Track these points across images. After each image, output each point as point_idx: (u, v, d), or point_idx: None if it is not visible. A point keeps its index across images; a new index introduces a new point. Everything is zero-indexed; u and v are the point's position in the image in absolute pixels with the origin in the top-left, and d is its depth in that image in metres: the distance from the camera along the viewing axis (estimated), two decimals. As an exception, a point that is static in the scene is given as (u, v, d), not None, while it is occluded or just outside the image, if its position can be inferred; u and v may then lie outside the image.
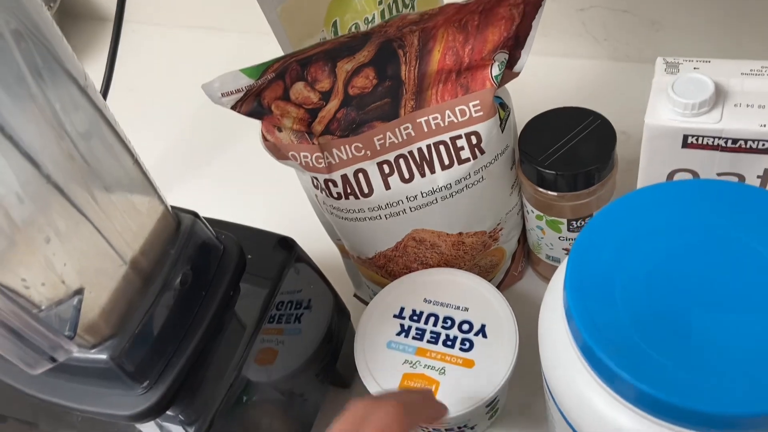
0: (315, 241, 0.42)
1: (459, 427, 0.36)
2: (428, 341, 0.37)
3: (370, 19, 0.37)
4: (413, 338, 0.37)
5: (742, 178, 0.31)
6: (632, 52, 0.53)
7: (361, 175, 0.36)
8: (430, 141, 0.35)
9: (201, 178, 0.57)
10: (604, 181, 0.36)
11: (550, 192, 0.37)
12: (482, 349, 0.36)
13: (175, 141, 0.60)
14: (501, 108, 0.36)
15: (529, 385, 0.38)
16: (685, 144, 0.30)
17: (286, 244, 0.36)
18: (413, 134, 0.35)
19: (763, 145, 0.29)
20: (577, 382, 0.24)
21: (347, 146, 0.35)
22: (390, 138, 0.35)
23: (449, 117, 0.35)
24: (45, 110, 0.23)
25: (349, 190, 0.36)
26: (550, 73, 0.54)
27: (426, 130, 0.35)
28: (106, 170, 0.26)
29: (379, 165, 0.35)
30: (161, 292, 0.29)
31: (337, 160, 0.35)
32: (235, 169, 0.56)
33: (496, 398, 0.35)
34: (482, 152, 0.35)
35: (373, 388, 0.35)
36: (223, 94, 0.32)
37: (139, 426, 0.31)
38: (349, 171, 0.35)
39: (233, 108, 0.33)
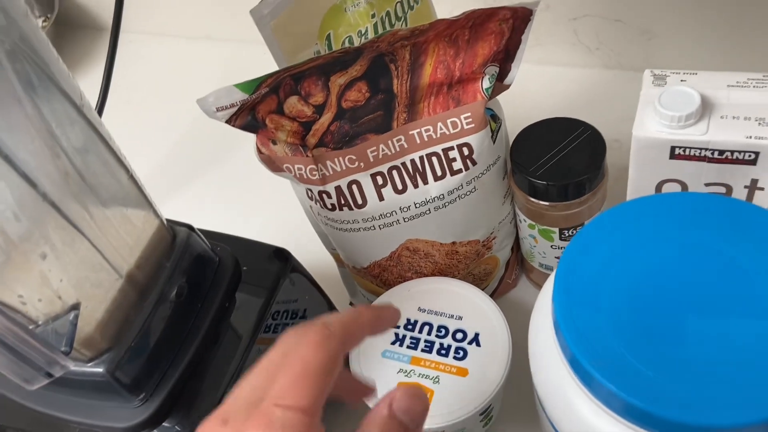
0: (311, 250, 0.42)
1: (453, 436, 0.37)
2: (422, 350, 0.37)
3: (363, 32, 0.37)
4: (408, 347, 0.37)
5: (729, 188, 0.32)
6: (624, 61, 0.54)
7: (354, 187, 0.36)
8: (423, 152, 0.36)
9: (197, 189, 0.57)
10: (594, 191, 0.37)
11: (541, 202, 0.37)
12: (476, 357, 0.36)
13: (171, 152, 0.61)
14: (492, 119, 0.36)
15: (524, 393, 0.38)
16: (673, 155, 0.31)
17: (281, 255, 0.37)
18: (406, 146, 0.36)
19: (749, 156, 0.30)
20: (564, 391, 0.24)
21: (341, 158, 0.35)
22: (383, 150, 0.36)
23: (441, 129, 0.35)
24: (41, 129, 0.23)
25: (343, 202, 0.36)
26: (543, 82, 0.55)
27: (418, 141, 0.36)
28: (102, 186, 0.27)
29: (373, 176, 0.36)
30: (157, 304, 0.29)
31: (331, 172, 0.36)
32: (231, 181, 0.57)
33: (490, 406, 0.36)
34: (474, 163, 0.36)
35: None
36: (217, 109, 0.32)
37: (136, 437, 0.31)
38: (342, 183, 0.36)
39: (228, 122, 0.33)
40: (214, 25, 0.67)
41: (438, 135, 0.35)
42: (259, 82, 0.32)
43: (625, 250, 0.25)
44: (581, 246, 0.25)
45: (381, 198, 0.36)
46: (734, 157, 0.30)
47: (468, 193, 0.37)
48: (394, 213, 0.37)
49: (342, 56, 0.32)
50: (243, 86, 0.32)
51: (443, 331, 0.37)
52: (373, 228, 0.37)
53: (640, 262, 0.24)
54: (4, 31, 0.22)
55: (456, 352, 0.36)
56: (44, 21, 0.71)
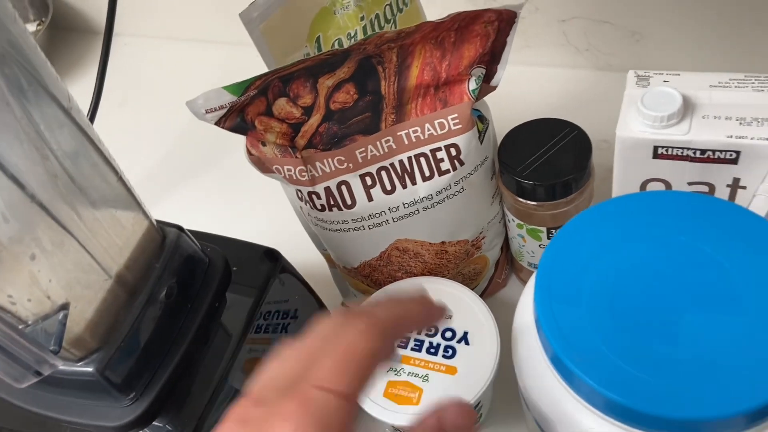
0: (303, 251, 0.43)
1: (443, 434, 0.37)
2: (412, 349, 0.37)
3: (352, 34, 0.38)
4: (397, 346, 0.37)
5: (712, 187, 0.32)
6: (613, 62, 0.54)
7: (344, 187, 0.36)
8: (411, 153, 0.36)
9: (190, 191, 0.57)
10: (581, 190, 0.37)
11: (529, 201, 0.38)
12: (465, 355, 0.36)
13: (164, 155, 0.61)
14: (479, 120, 0.37)
15: (515, 393, 0.38)
16: (656, 155, 0.31)
17: (271, 256, 0.37)
18: (394, 147, 0.36)
19: (731, 155, 0.30)
20: (547, 389, 0.25)
21: (330, 159, 0.36)
22: (372, 151, 0.36)
23: (429, 130, 0.36)
24: (29, 132, 0.24)
25: (332, 202, 0.37)
26: (533, 83, 0.55)
27: (407, 142, 0.36)
28: (91, 187, 0.27)
29: (362, 177, 0.36)
30: (146, 305, 0.29)
31: (320, 173, 0.36)
32: (224, 184, 0.57)
33: (479, 403, 0.36)
34: (462, 163, 0.36)
35: (357, 396, 0.36)
36: (207, 111, 0.33)
37: (127, 437, 0.32)
38: (332, 183, 0.36)
39: (217, 124, 0.34)
40: (208, 29, 0.67)
41: (426, 136, 0.36)
42: (247, 84, 0.32)
43: (605, 248, 0.25)
44: (562, 244, 0.25)
45: (370, 198, 0.37)
46: (716, 156, 0.30)
47: (456, 193, 0.37)
48: (383, 213, 0.37)
49: (329, 58, 0.33)
50: (232, 88, 0.32)
51: (432, 329, 0.38)
52: (362, 228, 0.38)
53: (620, 259, 0.25)
54: (-7, 35, 0.23)
55: (445, 350, 0.37)
56: (38, 25, 0.72)
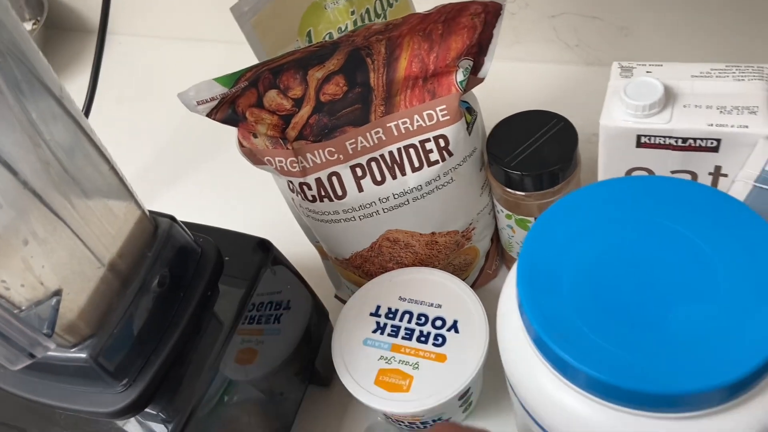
0: (296, 244, 0.43)
1: (434, 420, 0.38)
2: (403, 337, 0.38)
3: (343, 29, 0.38)
4: (388, 335, 0.38)
5: (694, 175, 0.33)
6: (603, 57, 0.55)
7: (334, 178, 0.37)
8: (400, 144, 0.37)
9: (185, 185, 0.58)
10: (568, 180, 0.38)
11: (517, 192, 0.38)
12: (454, 343, 0.37)
13: (159, 149, 0.62)
14: (468, 112, 0.37)
15: (504, 379, 0.39)
16: (639, 144, 0.32)
17: (263, 246, 0.38)
18: (384, 138, 0.37)
19: (712, 143, 0.31)
20: (531, 370, 0.25)
21: (320, 151, 0.36)
22: (361, 142, 0.36)
23: (418, 121, 0.36)
24: (22, 120, 0.24)
25: (323, 193, 0.37)
26: (523, 78, 0.56)
27: (396, 134, 0.36)
28: (83, 176, 0.27)
29: (352, 168, 0.37)
30: (139, 293, 0.30)
31: (311, 164, 0.37)
32: (217, 176, 0.58)
33: (468, 390, 0.37)
34: (450, 154, 0.37)
35: (349, 384, 0.36)
36: (198, 102, 0.33)
37: (120, 424, 0.32)
38: (322, 174, 0.37)
39: (208, 115, 0.34)
40: (203, 27, 0.68)
41: (415, 127, 0.36)
42: (238, 76, 0.33)
43: (586, 232, 0.26)
44: (544, 228, 0.26)
45: (360, 189, 0.37)
46: (697, 144, 0.31)
47: (445, 183, 0.38)
48: (373, 204, 0.38)
49: (319, 50, 0.33)
50: (222, 80, 0.33)
51: (423, 318, 0.38)
52: (353, 219, 0.38)
53: (601, 242, 0.25)
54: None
55: (435, 338, 0.37)
56: (34, 24, 0.72)
